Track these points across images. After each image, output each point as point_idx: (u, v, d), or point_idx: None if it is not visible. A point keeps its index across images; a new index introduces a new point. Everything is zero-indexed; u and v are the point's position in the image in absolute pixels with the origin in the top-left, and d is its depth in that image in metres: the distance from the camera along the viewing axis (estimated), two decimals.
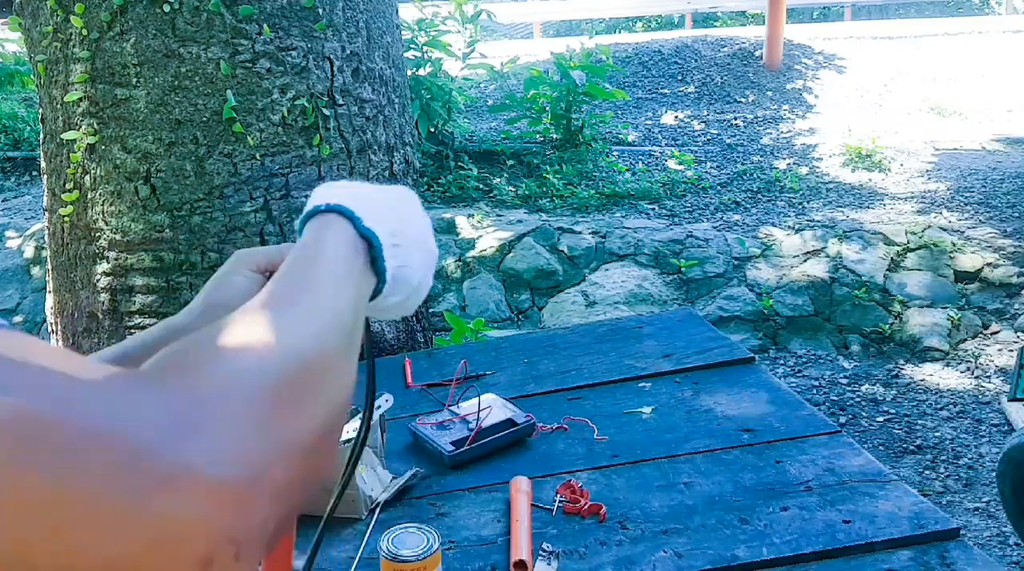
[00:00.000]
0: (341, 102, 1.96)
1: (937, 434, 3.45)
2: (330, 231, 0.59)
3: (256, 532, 0.39)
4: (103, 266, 1.96)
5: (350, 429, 1.34)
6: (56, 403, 0.35)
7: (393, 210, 0.63)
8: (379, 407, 1.33)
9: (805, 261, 4.50)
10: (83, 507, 0.34)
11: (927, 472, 3.23)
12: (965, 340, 4.11)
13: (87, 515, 0.34)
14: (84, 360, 0.39)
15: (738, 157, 5.95)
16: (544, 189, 5.38)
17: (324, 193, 0.63)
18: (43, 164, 2.05)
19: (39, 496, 0.33)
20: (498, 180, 5.51)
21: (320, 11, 1.90)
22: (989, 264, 4.37)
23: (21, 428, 0.33)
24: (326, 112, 1.93)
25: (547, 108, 5.90)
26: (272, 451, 0.40)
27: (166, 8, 1.79)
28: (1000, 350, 4.01)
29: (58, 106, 1.93)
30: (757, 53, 7.49)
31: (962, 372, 3.90)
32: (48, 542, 0.33)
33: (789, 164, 5.79)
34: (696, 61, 7.52)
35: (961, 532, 1.15)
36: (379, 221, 0.61)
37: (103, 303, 1.98)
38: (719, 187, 5.49)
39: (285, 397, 0.43)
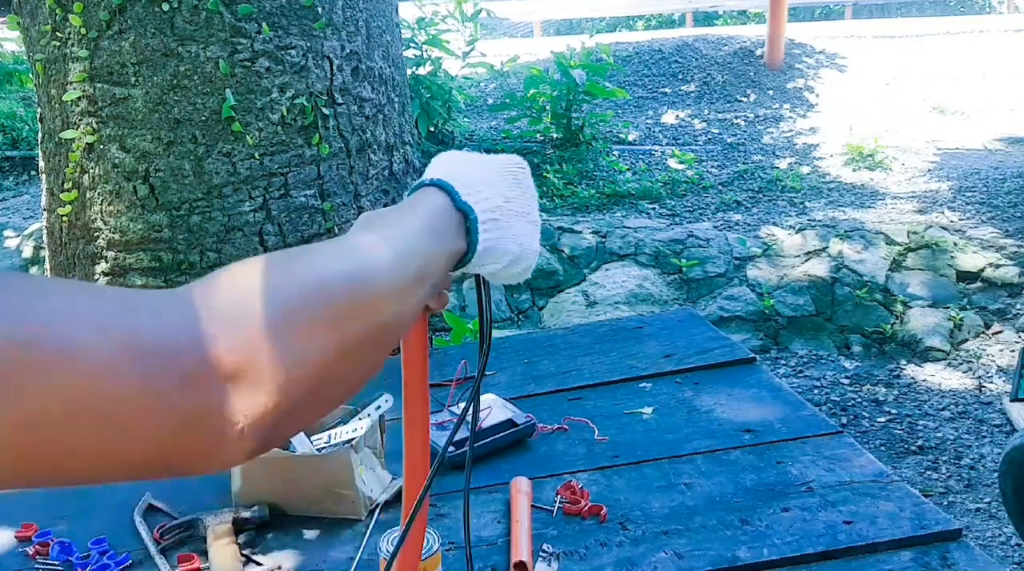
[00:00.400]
0: (340, 101, 1.96)
1: (939, 434, 3.44)
2: (428, 198, 0.66)
3: (258, 419, 0.47)
4: (102, 266, 1.95)
5: (349, 430, 1.33)
6: (87, 320, 0.42)
7: (497, 185, 0.71)
8: (379, 407, 1.32)
9: (806, 261, 4.49)
10: (119, 407, 0.41)
11: (929, 473, 3.22)
12: (967, 340, 4.10)
13: (124, 413, 0.42)
14: (106, 287, 0.48)
15: (739, 156, 5.94)
16: (544, 188, 5.38)
17: (434, 168, 0.70)
18: (42, 163, 2.04)
19: (86, 397, 0.40)
20: None
21: (319, 10, 1.89)
22: (991, 264, 4.36)
23: (54, 344, 0.40)
24: (325, 111, 1.93)
25: (547, 107, 5.89)
26: (282, 355, 0.47)
27: (165, 7, 1.78)
28: (1002, 350, 4.00)
29: (56, 105, 1.92)
30: (758, 52, 7.48)
31: (964, 372, 3.90)
32: (93, 440, 0.41)
33: (790, 163, 5.78)
34: (697, 60, 7.52)
35: (963, 533, 1.15)
36: (480, 197, 0.68)
37: None
38: (720, 186, 5.48)
39: (306, 314, 0.50)
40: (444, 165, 0.71)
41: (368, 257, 0.57)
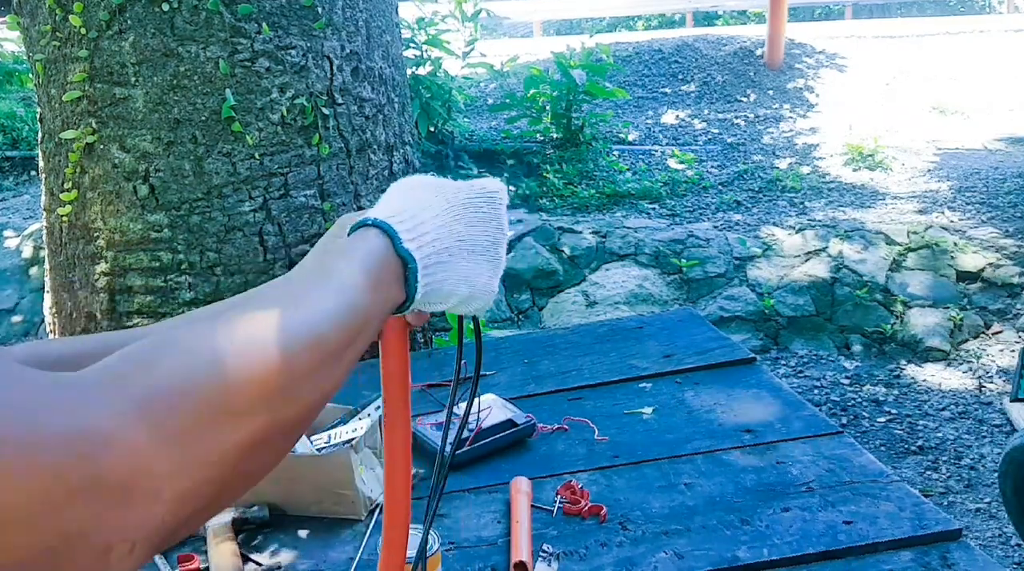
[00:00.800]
0: (340, 101, 1.95)
1: (939, 435, 3.44)
2: (366, 242, 0.62)
3: (152, 533, 0.42)
4: (101, 266, 1.95)
5: (349, 430, 1.33)
6: None
7: (452, 222, 0.66)
8: (379, 407, 1.32)
9: (806, 261, 4.49)
10: (8, 510, 0.36)
11: (929, 473, 3.22)
12: (967, 340, 4.10)
13: (12, 515, 0.36)
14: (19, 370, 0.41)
15: (739, 156, 5.94)
16: (544, 188, 5.38)
17: (389, 196, 0.66)
18: (41, 163, 2.04)
19: None
20: (498, 179, 5.50)
21: (319, 10, 1.89)
22: (991, 264, 4.36)
23: None
24: (325, 111, 1.93)
25: (547, 107, 5.89)
26: (179, 461, 0.42)
27: (165, 7, 1.78)
28: (1002, 350, 4.00)
29: (56, 105, 1.92)
30: (758, 52, 7.48)
31: (964, 372, 3.90)
32: None
33: (790, 163, 5.78)
34: (697, 60, 7.52)
35: (963, 533, 1.15)
36: (426, 238, 0.63)
37: (101, 303, 1.97)
38: (720, 186, 5.48)
39: (200, 412, 0.44)
40: (396, 197, 0.66)
41: (288, 330, 0.50)
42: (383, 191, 0.71)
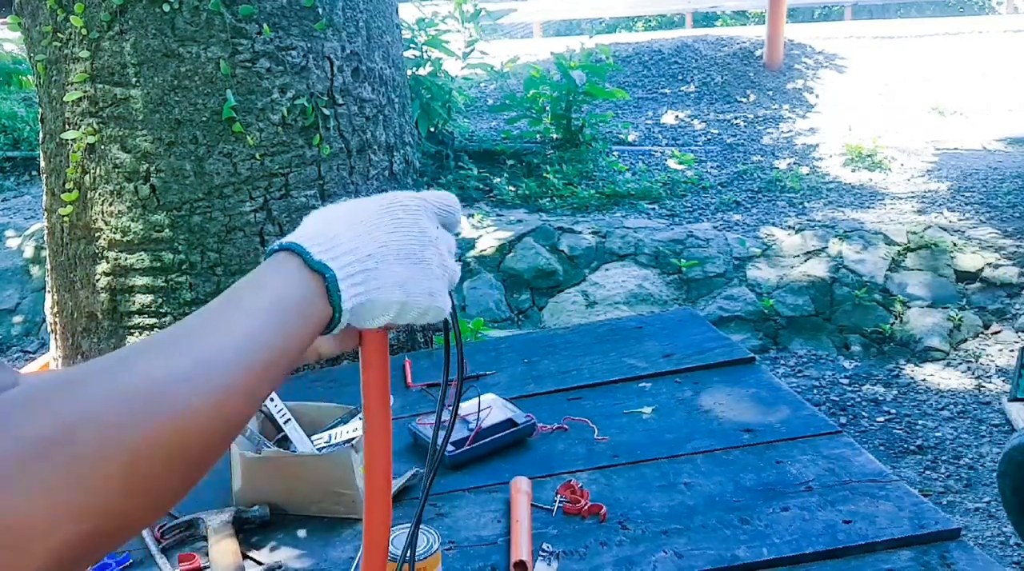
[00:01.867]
0: (341, 102, 1.96)
1: (938, 434, 3.45)
2: (277, 267, 0.60)
3: None
4: (102, 266, 1.95)
5: (349, 430, 1.34)
6: None
7: (369, 231, 0.64)
8: None
9: (806, 261, 4.49)
10: None
11: (928, 472, 3.22)
12: (966, 340, 4.11)
13: None
14: None
15: (739, 157, 5.95)
16: (544, 189, 5.38)
17: (300, 226, 0.64)
18: (43, 164, 2.05)
19: None
20: (498, 180, 5.51)
21: (320, 11, 1.89)
22: (990, 264, 4.36)
23: None
24: (326, 112, 1.93)
25: (547, 108, 5.90)
26: (55, 513, 0.40)
27: (165, 8, 1.78)
28: (1001, 350, 4.00)
29: (58, 106, 1.92)
30: (758, 53, 7.48)
31: (963, 372, 3.90)
32: None
33: (790, 164, 5.79)
34: (696, 61, 7.52)
35: (962, 532, 1.15)
36: (340, 250, 0.61)
37: (102, 303, 1.98)
38: (719, 187, 5.48)
39: (75, 459, 0.42)
40: (308, 223, 0.64)
41: (178, 371, 0.48)
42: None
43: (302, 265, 0.60)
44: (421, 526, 1.10)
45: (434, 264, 0.67)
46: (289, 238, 0.62)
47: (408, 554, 0.80)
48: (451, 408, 0.79)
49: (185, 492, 0.49)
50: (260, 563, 1.18)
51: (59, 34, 1.86)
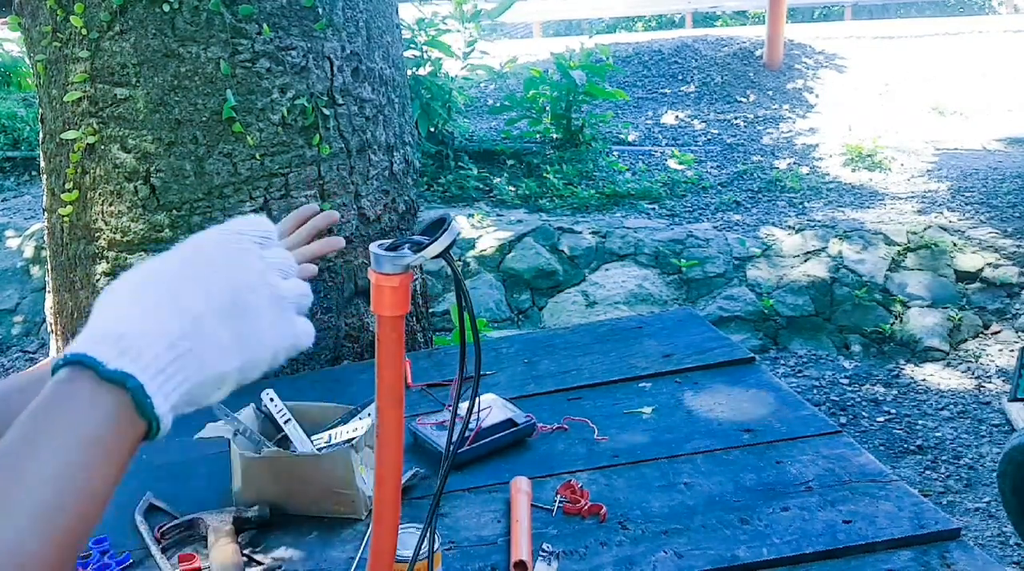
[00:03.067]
0: (341, 102, 1.96)
1: (938, 434, 3.45)
2: (63, 390, 0.51)
3: None
4: (103, 266, 1.95)
5: (349, 430, 1.34)
6: None
7: (174, 301, 0.55)
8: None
9: (806, 261, 4.49)
10: None
11: (928, 472, 3.22)
12: (966, 340, 4.11)
13: None
14: None
15: (739, 157, 5.95)
16: (544, 189, 5.38)
17: (87, 327, 0.55)
18: (42, 164, 2.05)
19: None
20: (498, 180, 5.51)
21: (320, 10, 1.89)
22: (990, 264, 4.36)
23: None
24: (326, 112, 1.93)
25: (547, 108, 5.90)
26: None
27: (165, 8, 1.78)
28: (1001, 350, 4.01)
29: (57, 106, 1.92)
30: (757, 53, 7.49)
31: (963, 372, 3.90)
32: None
33: (790, 164, 5.79)
34: (696, 61, 7.52)
35: (962, 532, 1.15)
36: (144, 342, 0.52)
37: None
38: (719, 187, 5.48)
39: None
40: (96, 312, 0.55)
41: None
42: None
43: (96, 380, 0.51)
44: (421, 526, 1.10)
45: (263, 307, 0.58)
46: (75, 345, 0.52)
47: (426, 549, 0.80)
48: (459, 407, 0.79)
49: None
50: (260, 563, 1.18)
51: (59, 34, 1.86)
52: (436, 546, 1.07)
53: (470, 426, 1.41)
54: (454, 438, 0.77)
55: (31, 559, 0.45)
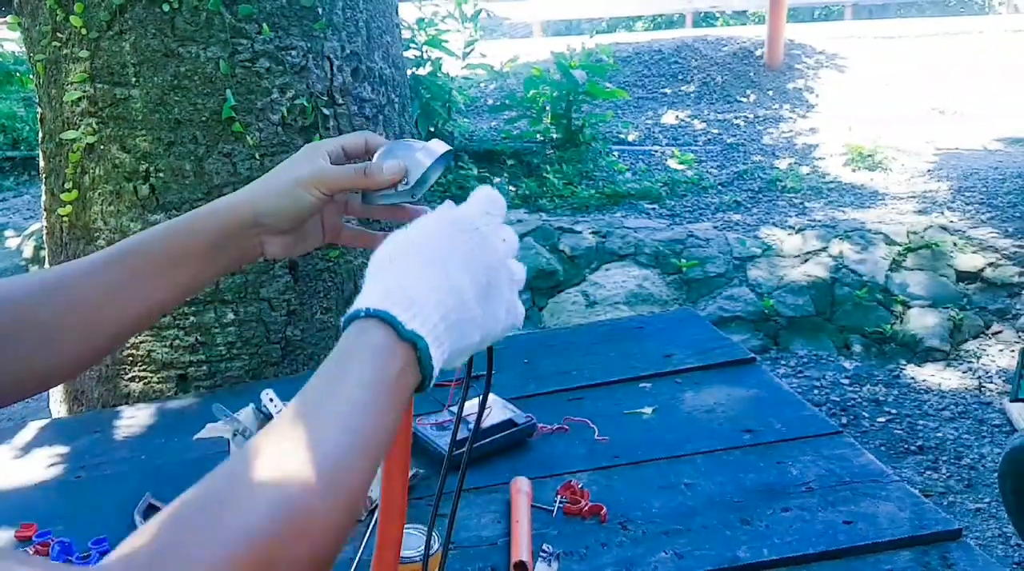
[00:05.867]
0: (341, 101, 1.96)
1: (939, 435, 3.44)
2: (368, 339, 0.57)
3: None
4: None
5: None
6: None
7: (446, 279, 0.61)
8: None
9: (806, 261, 4.49)
10: None
11: (929, 473, 3.22)
12: (967, 340, 4.10)
13: None
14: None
15: (739, 157, 5.95)
16: (544, 189, 5.38)
17: (371, 275, 0.61)
18: (42, 163, 2.04)
19: None
20: (498, 179, 5.51)
21: (319, 10, 1.89)
22: (990, 264, 4.36)
23: None
24: (326, 112, 1.93)
25: (547, 107, 5.90)
26: None
27: (165, 8, 1.78)
28: (1002, 350, 4.00)
29: (57, 106, 1.92)
30: (758, 52, 7.49)
31: (964, 372, 3.90)
32: None
33: (790, 164, 5.78)
34: (697, 60, 7.52)
35: (963, 533, 1.15)
36: (426, 311, 0.59)
37: None
38: (720, 187, 5.48)
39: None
40: (380, 273, 0.61)
41: (306, 478, 0.49)
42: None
43: (393, 336, 0.57)
44: (420, 527, 1.10)
45: (504, 287, 0.64)
46: (369, 300, 0.59)
47: (441, 546, 0.80)
48: (464, 408, 0.80)
49: None
50: None
51: (58, 34, 1.86)
52: (436, 547, 1.07)
53: (470, 427, 1.41)
54: (460, 437, 0.77)
55: (359, 484, 0.52)
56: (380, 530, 0.74)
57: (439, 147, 0.80)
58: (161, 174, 1.86)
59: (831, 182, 5.48)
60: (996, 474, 2.65)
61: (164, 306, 0.82)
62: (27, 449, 1.51)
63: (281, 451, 0.50)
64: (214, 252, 0.80)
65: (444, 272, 0.61)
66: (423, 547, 1.06)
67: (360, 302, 0.59)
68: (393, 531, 0.75)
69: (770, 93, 7.07)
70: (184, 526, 0.48)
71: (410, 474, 1.33)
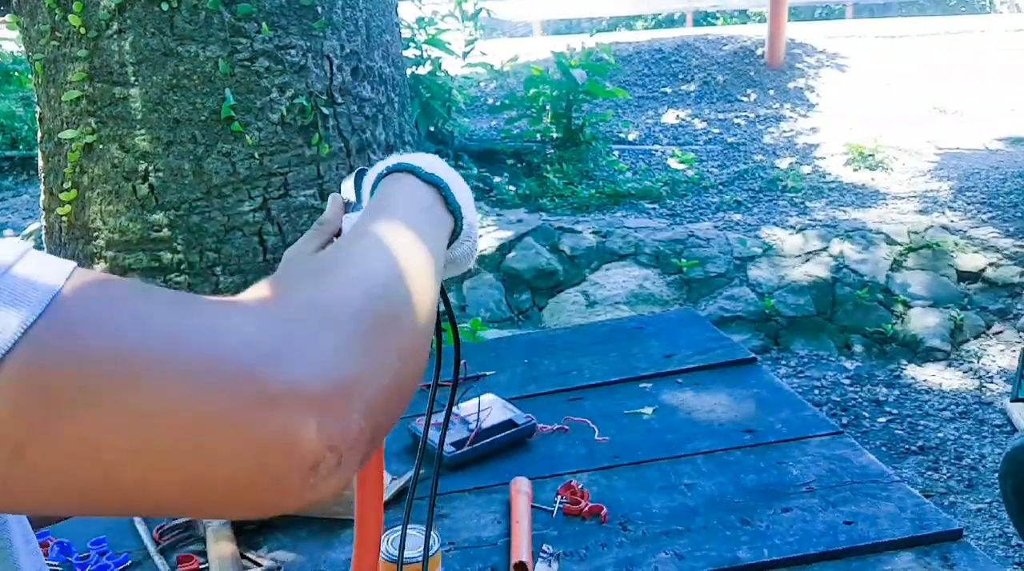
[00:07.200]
0: (340, 101, 1.95)
1: (939, 435, 3.44)
2: (398, 183, 0.64)
3: (354, 441, 0.43)
4: (101, 266, 1.95)
5: None
6: (163, 338, 0.39)
7: (447, 171, 0.68)
8: None
9: (807, 261, 4.49)
10: (199, 433, 0.38)
11: (929, 473, 3.22)
12: (967, 340, 4.10)
13: (204, 439, 0.38)
14: (186, 296, 0.43)
15: (740, 156, 5.94)
16: (544, 188, 5.37)
17: (384, 162, 0.68)
18: (41, 163, 2.04)
19: (156, 423, 0.37)
20: (498, 179, 5.51)
21: (319, 9, 1.89)
22: (991, 264, 4.35)
23: (130, 363, 0.37)
24: (325, 111, 1.93)
25: (547, 107, 5.89)
26: (364, 368, 0.45)
27: (164, 7, 1.78)
28: (1002, 350, 4.00)
29: (56, 105, 1.92)
30: (759, 51, 7.48)
31: (964, 372, 3.89)
32: (165, 469, 0.38)
33: (791, 163, 5.78)
34: (697, 59, 7.51)
35: (963, 533, 1.14)
36: (438, 174, 0.66)
37: None
38: (720, 186, 5.48)
39: (373, 321, 0.47)
40: (392, 159, 0.69)
41: (406, 254, 0.55)
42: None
43: (416, 179, 0.64)
44: (421, 527, 1.10)
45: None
46: (387, 164, 0.66)
47: (440, 547, 0.79)
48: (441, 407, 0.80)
49: (421, 368, 0.55)
50: (259, 564, 1.18)
51: (57, 33, 1.86)
52: (436, 547, 1.06)
53: (470, 427, 1.40)
54: (458, 439, 0.77)
55: (429, 273, 0.56)
56: (358, 533, 0.74)
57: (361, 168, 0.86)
58: (160, 173, 1.86)
59: (832, 182, 5.48)
60: (997, 474, 2.64)
61: None
62: None
63: (368, 247, 0.55)
64: None
65: (446, 169, 0.67)
66: (421, 548, 1.05)
67: (377, 169, 0.67)
68: (371, 533, 0.75)
69: (771, 92, 7.07)
70: (313, 280, 0.49)
71: (411, 474, 1.33)
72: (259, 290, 0.47)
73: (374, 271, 0.52)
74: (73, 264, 0.41)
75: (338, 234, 0.81)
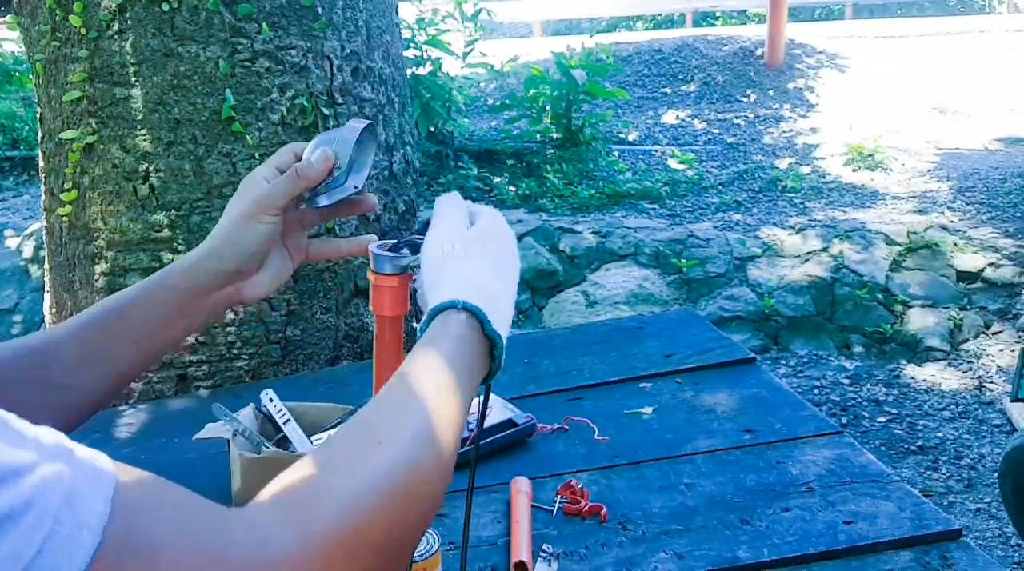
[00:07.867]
0: (340, 101, 1.95)
1: (939, 435, 3.44)
2: (461, 330, 0.66)
3: None
4: (101, 266, 1.95)
5: None
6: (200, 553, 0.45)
7: (509, 286, 0.72)
8: None
9: (806, 261, 4.49)
10: None
11: (929, 473, 3.22)
12: (967, 340, 4.10)
13: None
14: (204, 503, 0.50)
15: (739, 156, 5.95)
16: (544, 188, 5.38)
17: (453, 278, 0.69)
18: (41, 163, 2.04)
19: None
20: (498, 179, 5.51)
21: (319, 10, 1.89)
22: (991, 264, 4.36)
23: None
24: (325, 111, 1.93)
25: (547, 107, 5.89)
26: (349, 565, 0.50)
27: (165, 7, 1.78)
28: (1002, 350, 4.00)
29: (56, 105, 1.92)
30: (758, 52, 7.48)
31: (964, 372, 3.90)
32: None
33: (790, 163, 5.78)
34: (697, 60, 7.52)
35: (963, 533, 1.14)
36: (502, 314, 0.68)
37: None
38: (720, 186, 5.48)
39: (366, 520, 0.51)
40: (467, 270, 0.69)
41: (425, 440, 0.57)
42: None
43: (481, 330, 0.66)
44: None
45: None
46: (462, 292, 0.67)
47: (441, 547, 0.79)
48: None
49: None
50: None
51: (58, 33, 1.86)
52: (436, 547, 1.06)
53: (470, 427, 1.41)
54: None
55: (450, 460, 0.59)
56: None
57: (358, 123, 0.84)
58: (161, 174, 1.86)
59: (831, 182, 5.48)
60: (996, 474, 2.65)
61: (141, 367, 0.85)
62: None
63: (393, 413, 0.59)
64: (191, 311, 0.84)
65: (506, 274, 0.71)
66: (424, 547, 1.06)
67: (449, 292, 0.67)
68: None
69: (770, 93, 7.07)
70: (325, 467, 0.53)
71: None
72: (276, 496, 0.53)
73: (390, 466, 0.54)
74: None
75: (312, 189, 0.80)
